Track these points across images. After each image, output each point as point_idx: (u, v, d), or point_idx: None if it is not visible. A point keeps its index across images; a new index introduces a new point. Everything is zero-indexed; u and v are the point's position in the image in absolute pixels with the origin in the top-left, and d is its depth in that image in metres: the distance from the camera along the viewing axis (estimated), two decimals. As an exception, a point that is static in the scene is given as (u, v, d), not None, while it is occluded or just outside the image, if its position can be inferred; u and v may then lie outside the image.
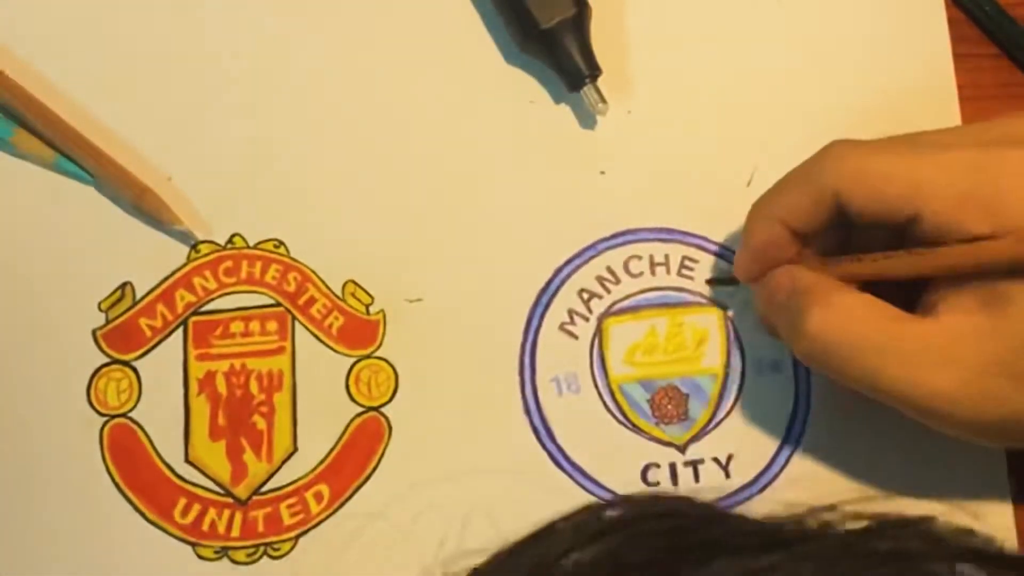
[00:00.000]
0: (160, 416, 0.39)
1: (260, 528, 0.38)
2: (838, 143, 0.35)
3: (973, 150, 0.32)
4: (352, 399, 0.39)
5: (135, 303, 0.40)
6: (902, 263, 0.33)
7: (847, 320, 0.33)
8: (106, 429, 0.39)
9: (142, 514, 0.38)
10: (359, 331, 0.40)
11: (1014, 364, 0.31)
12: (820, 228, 0.35)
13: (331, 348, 0.40)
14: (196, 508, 0.38)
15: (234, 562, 0.38)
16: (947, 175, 0.32)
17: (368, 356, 0.40)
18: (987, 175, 0.31)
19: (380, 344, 0.40)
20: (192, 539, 0.38)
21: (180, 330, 0.39)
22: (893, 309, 0.33)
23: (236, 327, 0.40)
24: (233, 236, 0.40)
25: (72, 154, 0.40)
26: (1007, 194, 0.31)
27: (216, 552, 0.38)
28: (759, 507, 0.27)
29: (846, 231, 0.36)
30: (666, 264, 0.41)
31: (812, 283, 0.34)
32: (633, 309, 0.40)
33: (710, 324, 0.40)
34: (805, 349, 0.34)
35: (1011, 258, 0.31)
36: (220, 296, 0.40)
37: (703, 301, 0.40)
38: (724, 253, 0.41)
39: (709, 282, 0.40)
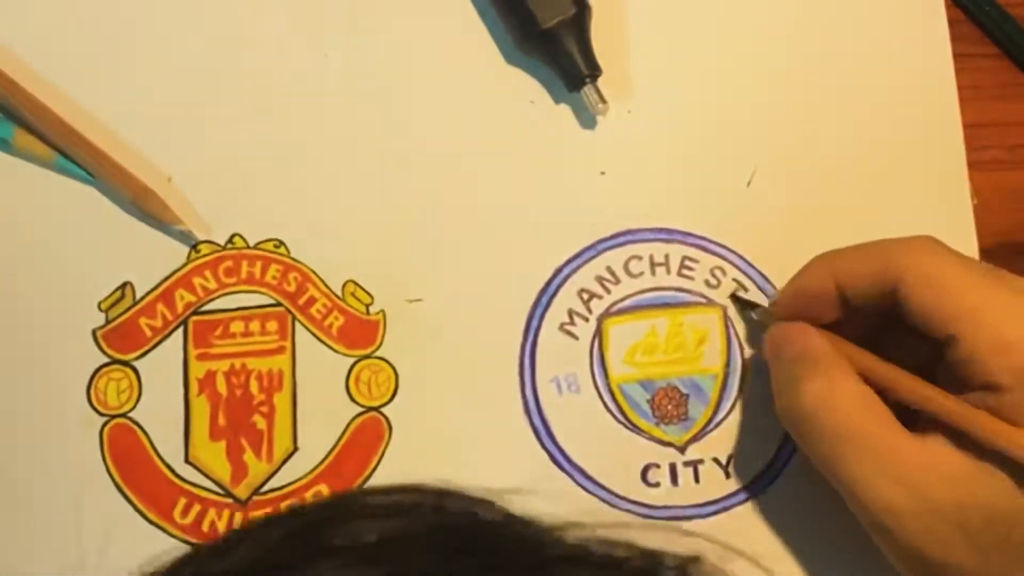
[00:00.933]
0: (160, 416, 0.39)
1: (260, 528, 0.38)
2: (926, 239, 0.35)
3: None
4: (352, 399, 0.39)
5: (135, 303, 0.40)
6: (917, 390, 0.33)
7: (841, 406, 0.33)
8: (106, 429, 0.39)
9: (142, 514, 0.38)
10: (359, 331, 0.40)
11: (972, 522, 0.31)
12: (867, 306, 0.35)
13: (331, 348, 0.40)
14: (196, 508, 0.38)
15: (234, 562, 0.38)
16: (1008, 319, 0.32)
17: (368, 356, 0.40)
18: None
19: (380, 344, 0.40)
20: (192, 539, 0.38)
21: (180, 330, 0.39)
22: (889, 414, 0.33)
23: (236, 327, 0.40)
24: (233, 236, 0.40)
25: (72, 154, 0.40)
26: None
27: None
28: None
29: (880, 325, 0.36)
30: (666, 264, 0.41)
31: (823, 354, 0.34)
32: (633, 309, 0.40)
33: (710, 324, 0.40)
34: (791, 412, 0.34)
35: (1008, 445, 0.31)
36: (220, 296, 0.40)
37: (703, 301, 0.40)
38: (724, 253, 0.41)
39: (731, 297, 0.40)
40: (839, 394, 0.33)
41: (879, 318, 0.35)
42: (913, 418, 0.33)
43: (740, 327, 0.40)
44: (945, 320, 0.32)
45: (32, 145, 0.40)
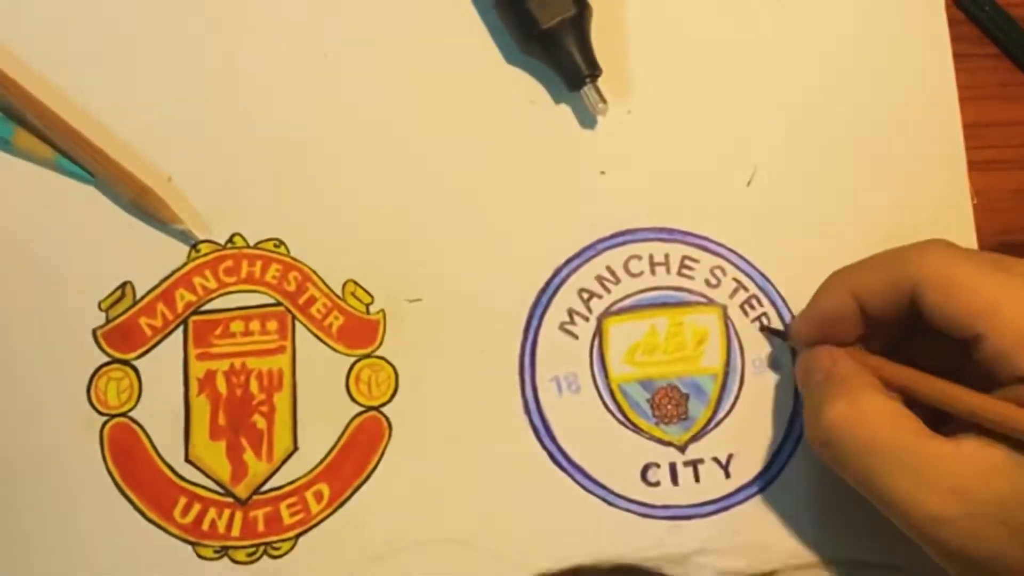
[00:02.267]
0: (160, 415, 0.39)
1: (260, 528, 0.38)
2: (936, 241, 0.34)
3: None
4: (352, 399, 0.39)
5: (135, 302, 0.40)
6: (945, 392, 0.33)
7: (867, 421, 0.33)
8: (106, 428, 0.39)
9: (142, 513, 0.38)
10: (359, 331, 0.40)
11: (1015, 517, 0.31)
12: (889, 317, 0.35)
13: (331, 347, 0.40)
14: (196, 507, 0.38)
15: (234, 561, 0.38)
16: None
17: (368, 356, 0.40)
18: None
19: (380, 344, 0.40)
20: (192, 539, 0.38)
21: (180, 329, 0.40)
22: (918, 423, 0.33)
23: (236, 326, 0.40)
24: (233, 236, 0.41)
25: (72, 154, 0.40)
26: None
27: (216, 552, 0.38)
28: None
29: (906, 333, 0.36)
30: (666, 264, 0.41)
31: (848, 375, 0.34)
32: (633, 309, 0.40)
33: (710, 324, 0.40)
34: (817, 436, 0.34)
35: None
36: (220, 295, 0.40)
37: (703, 301, 0.41)
38: (724, 253, 0.41)
39: (762, 330, 0.40)
40: (864, 410, 0.33)
41: (903, 327, 0.35)
42: (944, 422, 0.33)
43: (740, 327, 0.40)
44: (966, 320, 0.32)
45: (32, 145, 0.40)
